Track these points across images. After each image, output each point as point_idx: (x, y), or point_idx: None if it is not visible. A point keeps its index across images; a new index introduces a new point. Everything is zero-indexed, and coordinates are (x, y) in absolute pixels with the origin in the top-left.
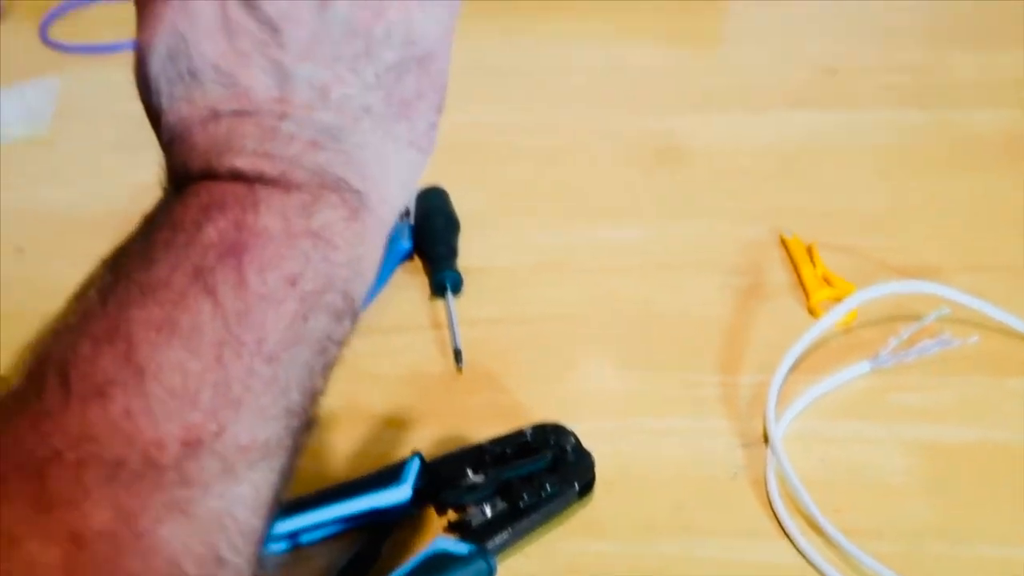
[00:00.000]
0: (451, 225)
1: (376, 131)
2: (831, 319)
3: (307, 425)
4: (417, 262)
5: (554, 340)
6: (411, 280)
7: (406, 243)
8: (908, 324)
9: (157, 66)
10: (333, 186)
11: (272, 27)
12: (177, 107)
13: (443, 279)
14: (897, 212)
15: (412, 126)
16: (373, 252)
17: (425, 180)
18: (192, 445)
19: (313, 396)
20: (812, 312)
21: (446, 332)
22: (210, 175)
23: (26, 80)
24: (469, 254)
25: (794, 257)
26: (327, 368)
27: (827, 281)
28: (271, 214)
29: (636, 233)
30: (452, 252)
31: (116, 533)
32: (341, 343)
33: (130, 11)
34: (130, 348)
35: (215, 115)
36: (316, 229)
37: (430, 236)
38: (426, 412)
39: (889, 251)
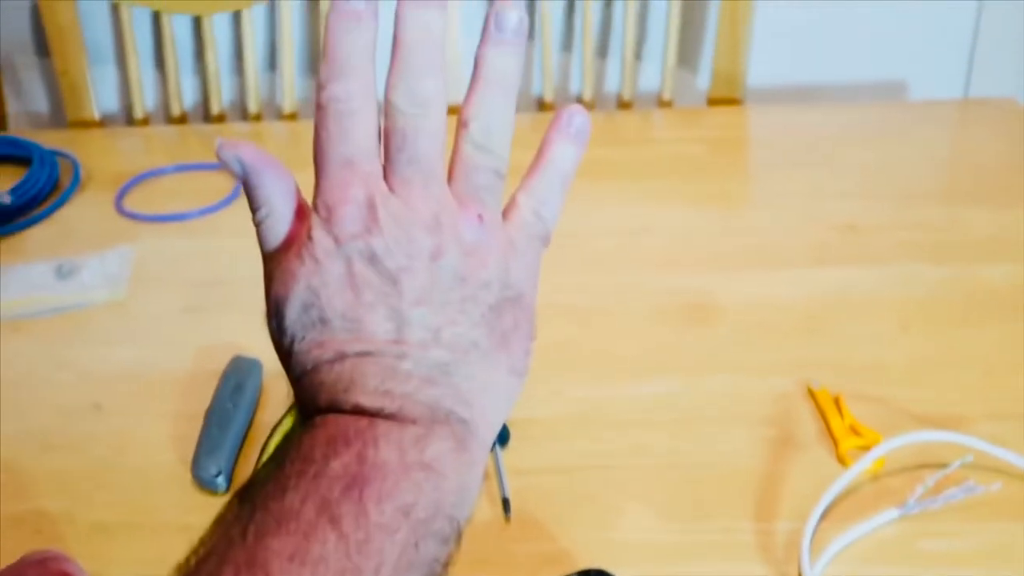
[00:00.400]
0: None
1: (482, 363)
2: (859, 467)
3: None
4: None
5: (596, 489)
6: None
7: None
8: (934, 472)
9: (293, 315)
10: (443, 419)
11: (392, 279)
12: (308, 348)
13: None
14: (919, 363)
15: (511, 354)
16: (479, 473)
17: None
18: None
19: None
20: (841, 461)
21: (494, 482)
22: (335, 409)
23: (104, 248)
24: (514, 408)
25: (822, 408)
26: None
27: (854, 431)
28: (389, 447)
29: (669, 387)
30: None
31: None
32: (446, 564)
33: (194, 181)
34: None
35: (342, 356)
36: (428, 461)
37: None
38: (477, 560)
39: (913, 401)
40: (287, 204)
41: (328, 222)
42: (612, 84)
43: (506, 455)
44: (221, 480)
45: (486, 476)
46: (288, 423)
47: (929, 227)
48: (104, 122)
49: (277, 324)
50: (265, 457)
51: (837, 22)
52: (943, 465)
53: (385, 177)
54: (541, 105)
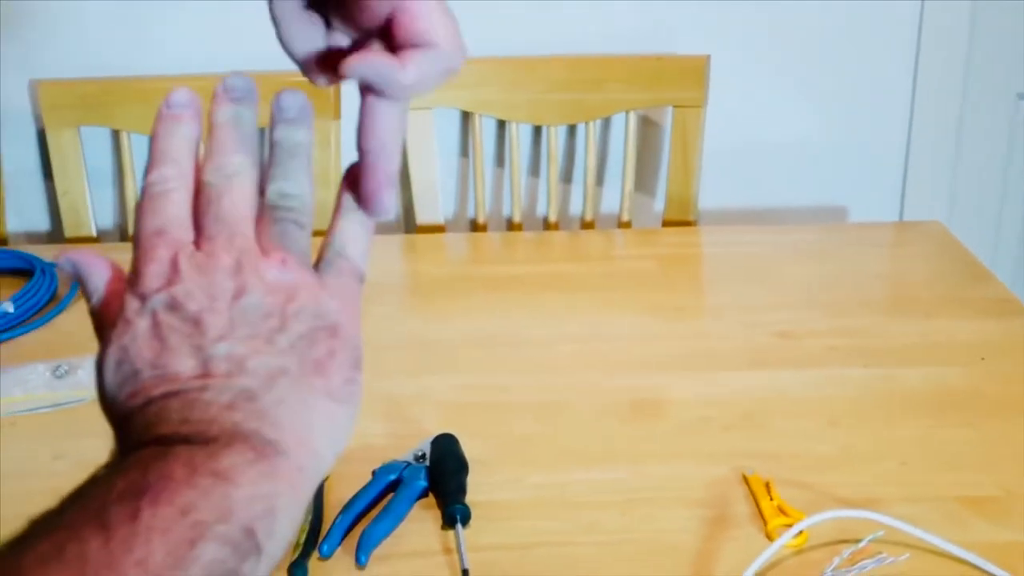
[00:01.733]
0: (461, 466)
1: (293, 388)
2: (783, 540)
3: None
4: (431, 498)
5: (550, 565)
6: (426, 513)
7: (422, 482)
8: (851, 546)
9: (109, 375)
10: (243, 437)
11: (194, 321)
12: (123, 400)
13: (454, 512)
14: (844, 454)
15: (328, 380)
16: (290, 493)
17: (439, 428)
18: None
19: None
20: (769, 537)
21: (456, 557)
22: (140, 447)
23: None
24: (476, 491)
25: (754, 491)
26: None
27: (782, 511)
28: (178, 462)
29: (618, 474)
30: (462, 489)
31: None
32: None
33: None
34: (11, 572)
35: (149, 400)
36: (219, 470)
37: (443, 476)
38: None
39: (837, 486)
40: (108, 286)
41: (134, 284)
42: (576, 207)
43: (467, 533)
44: None
45: (448, 551)
46: None
47: (857, 334)
48: (100, 238)
49: (98, 386)
50: None
51: (782, 150)
52: (859, 540)
53: (195, 242)
54: (511, 225)
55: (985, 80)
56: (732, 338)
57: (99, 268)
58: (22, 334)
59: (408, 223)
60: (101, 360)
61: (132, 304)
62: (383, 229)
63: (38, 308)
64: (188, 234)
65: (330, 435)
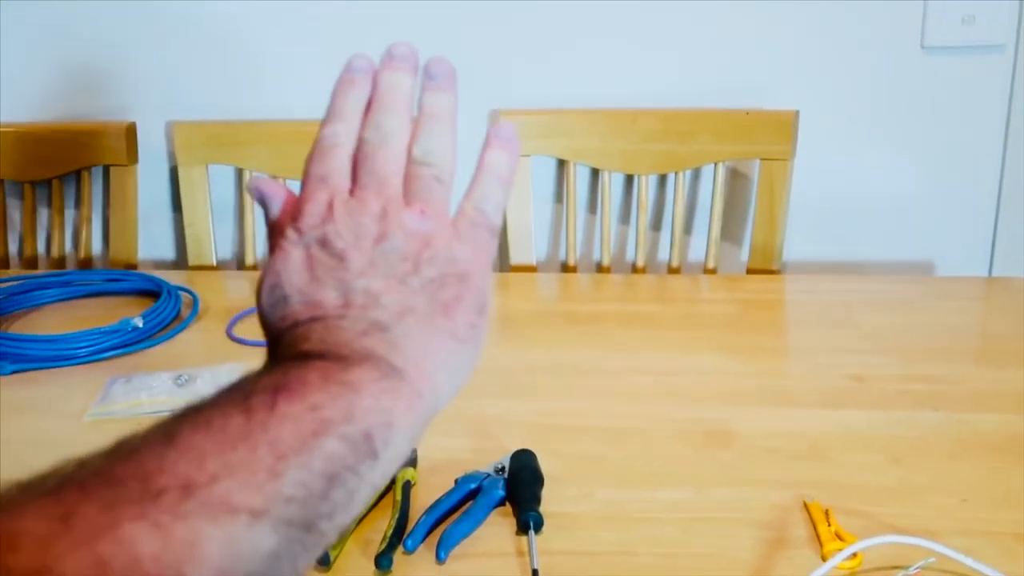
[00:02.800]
0: (537, 479)
1: (420, 324)
2: (836, 560)
3: (313, 537)
4: (508, 508)
5: (613, 571)
6: (503, 520)
7: (500, 492)
8: (902, 571)
9: (264, 296)
10: (373, 359)
11: (340, 257)
12: (274, 322)
13: (528, 518)
14: (904, 488)
15: (452, 322)
16: (407, 413)
17: (519, 445)
18: (187, 489)
19: (319, 511)
20: (824, 559)
21: (527, 560)
22: (285, 360)
23: (216, 364)
24: (549, 503)
25: (813, 517)
26: (347, 498)
27: (839, 536)
28: (314, 371)
29: (683, 495)
30: (536, 499)
31: (100, 521)
32: (362, 479)
33: None
34: (171, 433)
35: (295, 324)
36: (348, 380)
37: (519, 486)
38: None
39: (896, 517)
40: (283, 207)
41: (295, 219)
42: (663, 254)
43: (539, 539)
44: (325, 557)
45: (519, 554)
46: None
47: (930, 380)
48: (220, 267)
49: (257, 302)
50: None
51: (869, 204)
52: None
53: (350, 190)
54: (600, 268)
55: None
56: (805, 378)
57: (277, 194)
58: (149, 347)
59: (502, 263)
60: (260, 282)
61: (291, 236)
62: None
63: (164, 325)
64: (346, 182)
65: (449, 370)
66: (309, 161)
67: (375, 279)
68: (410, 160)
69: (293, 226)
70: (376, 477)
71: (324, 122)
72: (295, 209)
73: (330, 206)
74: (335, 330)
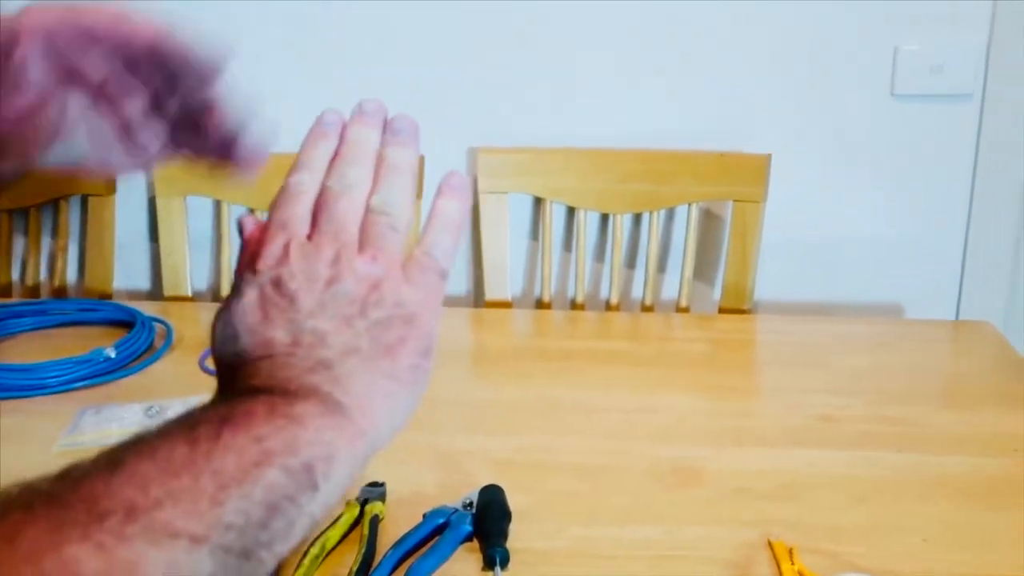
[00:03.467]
0: (504, 515)
1: (363, 365)
2: None
3: (251, 565)
4: (475, 543)
5: None
6: (469, 556)
7: (468, 527)
8: None
9: (218, 332)
10: (317, 395)
11: (291, 298)
12: (226, 359)
13: (494, 554)
14: (868, 528)
15: (395, 363)
16: (349, 448)
17: (488, 481)
18: (130, 512)
19: (258, 539)
20: None
21: None
22: (234, 394)
23: (187, 396)
24: (517, 538)
25: (777, 556)
26: (286, 528)
27: (802, 575)
28: (259, 404)
29: (652, 533)
30: (503, 535)
31: (45, 541)
32: (302, 510)
33: None
34: (118, 461)
35: (246, 361)
36: (292, 414)
37: (487, 522)
38: None
39: (859, 556)
40: (251, 233)
41: (253, 261)
42: (637, 291)
43: (505, 575)
44: None
45: None
46: (335, 531)
47: (898, 422)
48: (195, 298)
49: (211, 339)
50: (308, 559)
51: (840, 246)
52: None
53: (308, 235)
54: (574, 305)
55: None
56: (775, 418)
57: (250, 221)
58: (121, 377)
59: (478, 298)
60: (216, 319)
61: (247, 277)
62: (455, 302)
63: (136, 356)
64: (306, 228)
65: (390, 410)
66: (273, 207)
67: (324, 320)
68: (368, 209)
69: (250, 267)
70: (316, 509)
71: (291, 171)
72: (255, 251)
73: (286, 249)
74: (283, 367)
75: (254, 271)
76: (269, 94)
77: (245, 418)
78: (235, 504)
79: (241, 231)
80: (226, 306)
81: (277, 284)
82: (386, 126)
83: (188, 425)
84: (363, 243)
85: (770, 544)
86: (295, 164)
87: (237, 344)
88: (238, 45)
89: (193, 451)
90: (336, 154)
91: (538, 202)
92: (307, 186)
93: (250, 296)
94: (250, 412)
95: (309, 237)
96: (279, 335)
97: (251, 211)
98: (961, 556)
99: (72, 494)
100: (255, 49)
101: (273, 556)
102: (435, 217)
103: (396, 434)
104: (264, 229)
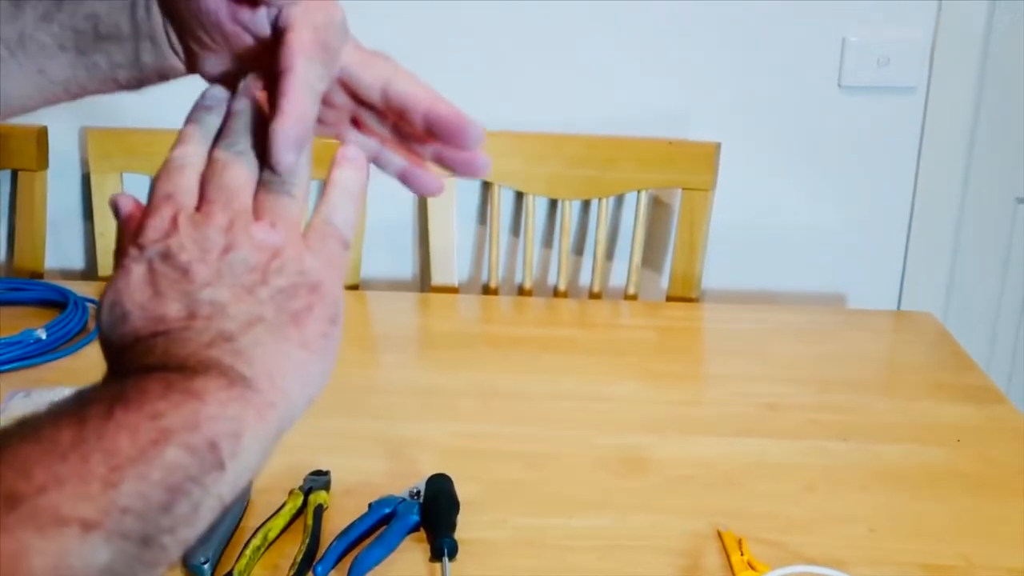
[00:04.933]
0: (452, 505)
1: (269, 334)
2: None
3: (152, 552)
4: (422, 533)
5: None
6: (416, 546)
7: (415, 516)
8: None
9: (104, 315)
10: (219, 368)
11: (183, 270)
12: (114, 341)
13: (442, 544)
14: (816, 518)
15: (303, 332)
16: (258, 423)
17: (435, 469)
18: (11, 499)
19: (159, 524)
20: None
21: None
22: (126, 376)
23: None
24: (465, 529)
25: (726, 546)
26: (191, 511)
27: (751, 566)
28: (154, 381)
29: (600, 522)
30: (451, 525)
31: None
32: (207, 491)
33: None
34: None
35: (137, 340)
36: (191, 388)
37: (434, 512)
38: None
39: (806, 546)
40: (128, 211)
41: (136, 236)
42: (585, 278)
43: (453, 566)
44: (207, 567)
45: None
46: (277, 521)
47: (841, 411)
48: None
49: (97, 324)
50: (249, 550)
51: (786, 236)
52: None
53: (197, 207)
54: (522, 291)
55: (985, 181)
56: (721, 406)
57: (126, 200)
58: (52, 360)
59: (424, 283)
60: (100, 300)
61: (132, 253)
62: (401, 287)
63: (68, 337)
64: (193, 200)
65: (300, 381)
66: (156, 181)
67: (221, 290)
68: (263, 178)
69: (134, 242)
70: (224, 490)
71: (175, 145)
72: (138, 226)
73: (174, 220)
74: (179, 342)
75: (139, 246)
76: None
77: (138, 395)
78: (131, 486)
79: (117, 210)
80: (111, 285)
81: (166, 256)
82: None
83: (76, 406)
84: (258, 212)
85: (719, 534)
86: (179, 137)
87: (126, 323)
88: None
89: (82, 431)
90: (222, 128)
91: (486, 186)
92: (192, 158)
93: (137, 272)
94: (143, 389)
95: (198, 208)
96: (173, 309)
97: None
98: (907, 545)
99: None
100: None
101: (177, 542)
102: (332, 187)
103: (309, 406)
104: (147, 204)
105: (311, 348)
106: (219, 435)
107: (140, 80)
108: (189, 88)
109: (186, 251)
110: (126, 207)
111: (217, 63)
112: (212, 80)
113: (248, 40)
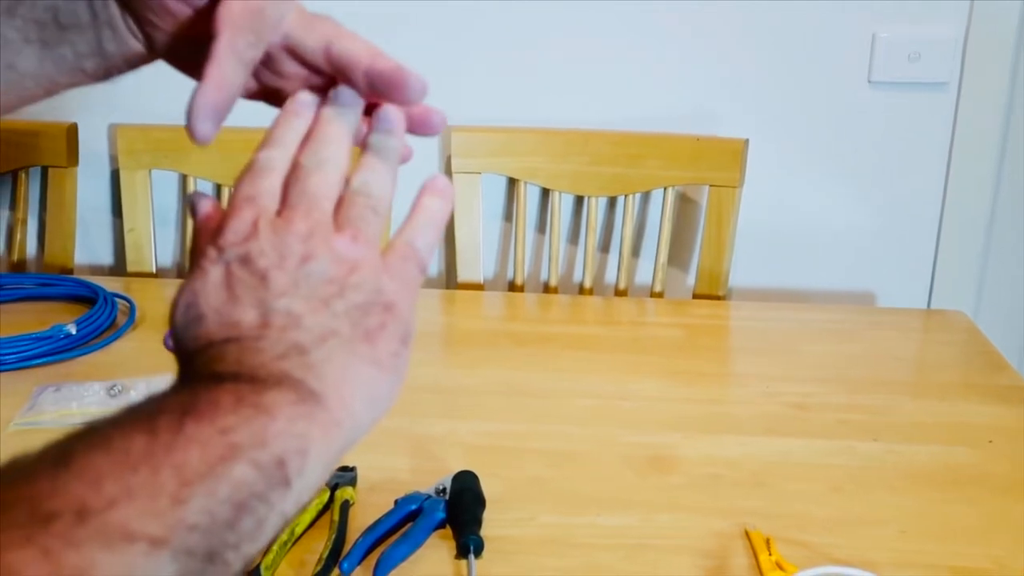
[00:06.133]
0: (478, 502)
1: (341, 350)
2: None
3: (216, 568)
4: (448, 530)
5: None
6: (442, 543)
7: (441, 514)
8: None
9: (179, 315)
10: (289, 382)
11: (261, 276)
12: (187, 342)
13: (468, 542)
14: (844, 519)
15: (375, 349)
16: (324, 440)
17: (461, 467)
18: (81, 513)
19: (224, 541)
20: None
21: None
22: (197, 381)
23: (150, 375)
24: (490, 526)
25: (754, 546)
26: (255, 527)
27: (779, 566)
28: (226, 392)
29: (626, 520)
30: (477, 522)
31: None
32: (272, 508)
33: None
34: (66, 453)
35: (210, 344)
36: (261, 403)
37: (460, 509)
38: None
39: (835, 547)
40: (207, 212)
41: (216, 236)
42: (611, 276)
43: (478, 563)
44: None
45: None
46: (304, 517)
47: (871, 411)
48: (159, 274)
49: (170, 322)
50: (276, 545)
51: (815, 233)
52: None
53: (278, 212)
54: (547, 289)
55: (1018, 178)
56: (749, 405)
57: (206, 201)
58: (82, 355)
59: (450, 280)
60: (175, 300)
61: (210, 254)
62: (426, 283)
63: (98, 333)
64: (275, 204)
65: (369, 399)
66: (239, 182)
67: (297, 300)
68: (347, 189)
69: (213, 244)
70: (288, 506)
71: (260, 146)
72: (217, 227)
73: (255, 224)
74: (251, 352)
75: (218, 248)
76: None
77: (209, 407)
78: (199, 503)
79: (195, 210)
80: (187, 285)
81: (245, 261)
82: (374, 118)
83: (147, 414)
84: (341, 222)
85: (747, 534)
86: (265, 140)
87: (200, 326)
88: None
89: (152, 443)
90: (310, 133)
91: (512, 183)
92: (276, 162)
93: (215, 274)
94: (215, 401)
95: (279, 213)
96: (248, 316)
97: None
98: (936, 547)
99: (14, 492)
100: None
101: (240, 558)
102: (418, 211)
103: (375, 425)
104: (228, 205)
105: (382, 366)
106: (287, 452)
107: (107, 69)
108: None
109: (265, 256)
110: (204, 208)
111: (170, 42)
112: (176, 66)
113: (190, 14)
